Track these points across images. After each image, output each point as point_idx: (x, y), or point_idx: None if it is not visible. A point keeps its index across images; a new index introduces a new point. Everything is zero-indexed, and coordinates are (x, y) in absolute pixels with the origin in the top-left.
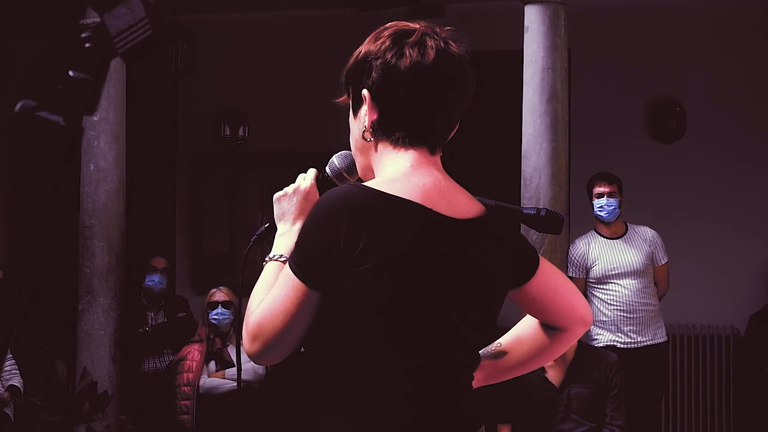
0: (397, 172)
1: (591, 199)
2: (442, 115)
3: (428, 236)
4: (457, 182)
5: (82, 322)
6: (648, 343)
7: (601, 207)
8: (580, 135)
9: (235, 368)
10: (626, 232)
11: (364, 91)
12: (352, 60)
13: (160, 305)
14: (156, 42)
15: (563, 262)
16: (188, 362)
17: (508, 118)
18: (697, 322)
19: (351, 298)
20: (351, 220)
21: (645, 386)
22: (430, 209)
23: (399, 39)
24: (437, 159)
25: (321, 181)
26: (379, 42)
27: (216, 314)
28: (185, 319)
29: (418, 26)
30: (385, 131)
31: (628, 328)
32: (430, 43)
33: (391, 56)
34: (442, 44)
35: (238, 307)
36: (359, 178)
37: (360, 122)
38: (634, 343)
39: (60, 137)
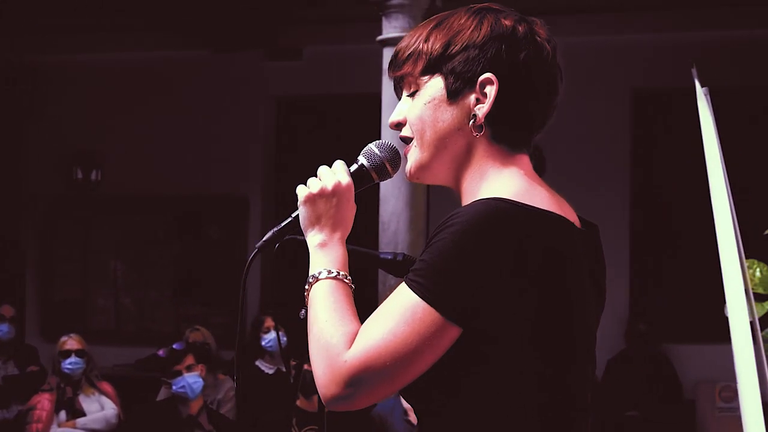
0: (518, 182)
1: None
2: (547, 123)
3: (578, 259)
4: None
5: None
6: None
7: None
8: None
9: (86, 417)
10: None
11: (489, 75)
12: (451, 35)
13: (9, 355)
14: None
15: None
16: (38, 412)
17: None
18: None
19: (502, 334)
20: (517, 243)
21: None
22: (573, 224)
23: (531, 26)
24: None
25: (353, 175)
26: (507, 23)
27: (69, 363)
28: (37, 373)
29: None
30: (500, 127)
31: None
32: (546, 37)
33: (528, 43)
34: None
35: (90, 354)
36: (409, 174)
37: (462, 110)
38: None
39: None
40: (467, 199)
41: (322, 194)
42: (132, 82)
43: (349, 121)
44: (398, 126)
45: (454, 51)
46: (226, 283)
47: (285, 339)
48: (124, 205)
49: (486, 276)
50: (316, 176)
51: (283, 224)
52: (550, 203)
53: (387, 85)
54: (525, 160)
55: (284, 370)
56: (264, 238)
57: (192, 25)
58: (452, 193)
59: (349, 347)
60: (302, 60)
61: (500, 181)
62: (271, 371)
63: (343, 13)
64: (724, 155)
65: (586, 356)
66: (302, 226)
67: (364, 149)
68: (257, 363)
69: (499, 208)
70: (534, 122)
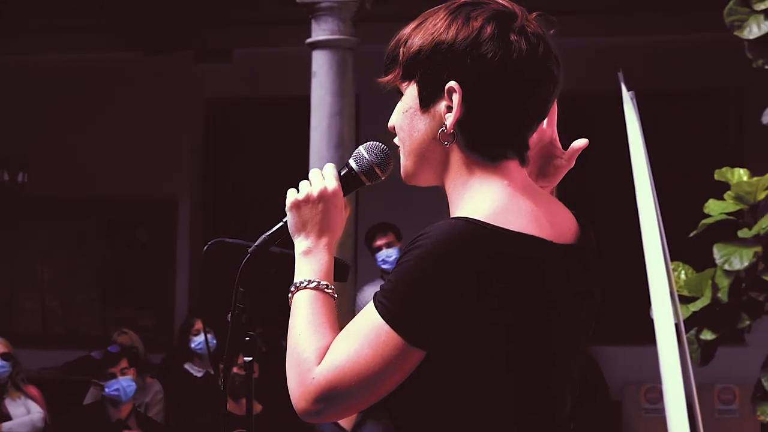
0: (498, 197)
1: (372, 254)
2: (540, 120)
3: (558, 278)
4: (249, 228)
5: None
6: None
7: (382, 260)
8: None
9: (12, 421)
10: None
11: (452, 83)
12: (424, 39)
13: None
14: None
15: (350, 310)
16: None
17: (296, 164)
18: None
19: (471, 355)
20: (482, 266)
21: None
22: (552, 242)
23: (503, 23)
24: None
25: (342, 179)
26: (475, 24)
27: None
28: None
29: (508, 5)
30: (472, 136)
31: None
32: (531, 30)
33: (495, 44)
34: (542, 32)
35: (16, 358)
36: (394, 179)
37: (434, 119)
38: None
39: None
40: (453, 207)
41: (307, 200)
42: (60, 83)
43: (278, 123)
44: (394, 130)
45: (422, 57)
46: (154, 286)
47: (214, 342)
48: (52, 207)
49: (448, 300)
50: (303, 180)
51: (273, 230)
52: (529, 219)
53: (316, 88)
54: (511, 167)
55: (213, 372)
56: (256, 243)
57: (122, 27)
58: (384, 196)
59: (319, 363)
60: (231, 62)
61: (481, 196)
62: (199, 374)
63: (273, 15)
64: (649, 158)
65: (565, 373)
66: (290, 232)
67: (355, 152)
68: (186, 366)
69: (464, 231)
70: (515, 126)
